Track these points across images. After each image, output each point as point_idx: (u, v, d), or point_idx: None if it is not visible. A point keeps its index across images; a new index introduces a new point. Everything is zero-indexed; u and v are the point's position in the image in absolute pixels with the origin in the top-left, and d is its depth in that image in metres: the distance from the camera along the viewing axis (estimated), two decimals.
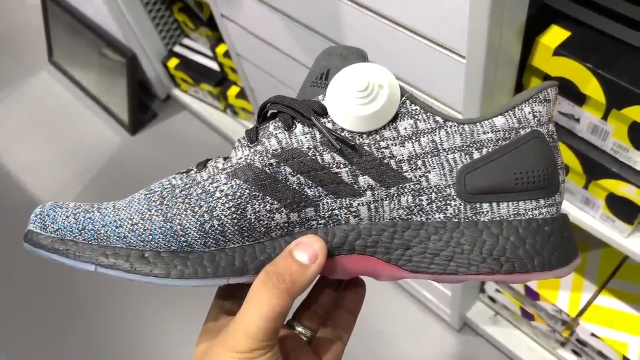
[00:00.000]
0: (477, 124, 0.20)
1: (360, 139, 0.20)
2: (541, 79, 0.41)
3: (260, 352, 0.19)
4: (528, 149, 0.20)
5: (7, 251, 0.94)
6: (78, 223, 0.21)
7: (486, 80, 0.38)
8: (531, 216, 0.20)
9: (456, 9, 0.35)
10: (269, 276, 0.20)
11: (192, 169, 0.22)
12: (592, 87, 0.37)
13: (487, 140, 0.20)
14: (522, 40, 0.38)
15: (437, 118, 0.20)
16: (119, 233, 0.20)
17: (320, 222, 0.21)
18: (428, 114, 0.20)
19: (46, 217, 0.21)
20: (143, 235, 0.20)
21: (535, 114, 0.21)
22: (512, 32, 0.37)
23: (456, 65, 0.39)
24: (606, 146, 0.40)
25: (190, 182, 0.21)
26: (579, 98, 0.39)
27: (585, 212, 0.46)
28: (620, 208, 0.42)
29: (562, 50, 0.37)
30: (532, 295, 0.60)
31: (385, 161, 0.20)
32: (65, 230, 0.21)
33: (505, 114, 0.21)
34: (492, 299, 0.70)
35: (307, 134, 0.20)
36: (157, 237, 0.20)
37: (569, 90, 0.38)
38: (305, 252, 0.20)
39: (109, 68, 1.03)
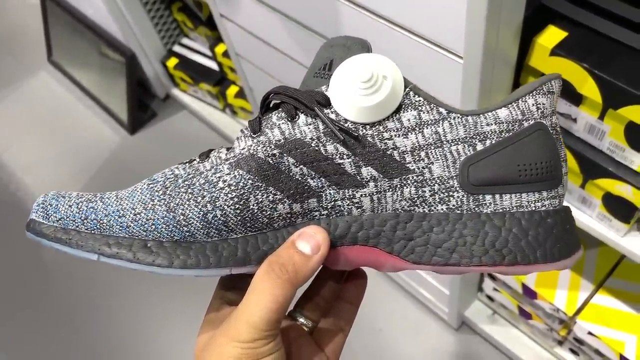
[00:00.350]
0: (481, 115, 0.20)
1: (364, 130, 0.20)
2: None
3: (262, 342, 0.19)
4: (531, 141, 0.20)
5: (6, 250, 0.93)
6: (81, 212, 0.21)
7: (483, 81, 0.38)
8: (534, 208, 0.20)
9: (453, 9, 0.35)
10: (271, 266, 0.20)
11: (194, 159, 0.22)
12: (588, 87, 0.37)
13: (490, 132, 0.20)
14: (520, 40, 0.39)
15: (441, 109, 0.20)
16: (121, 223, 0.20)
17: (323, 213, 0.21)
18: (432, 105, 0.20)
19: (49, 206, 0.21)
20: (146, 225, 0.20)
21: (538, 106, 0.21)
22: (509, 33, 0.37)
23: (454, 65, 0.39)
24: (603, 146, 0.41)
25: (193, 172, 0.21)
26: (575, 98, 0.40)
27: (582, 212, 0.46)
28: (617, 207, 0.42)
29: (559, 50, 0.37)
30: (530, 294, 0.60)
31: (389, 152, 0.20)
32: (67, 219, 0.21)
33: (509, 105, 0.21)
34: (490, 298, 0.70)
35: (310, 124, 0.20)
36: (160, 227, 0.20)
37: (566, 90, 0.39)
38: (308, 243, 0.20)
39: (109, 68, 1.03)
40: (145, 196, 0.21)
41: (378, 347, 0.75)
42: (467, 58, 0.37)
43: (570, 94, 0.39)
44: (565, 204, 0.22)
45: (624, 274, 0.59)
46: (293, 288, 0.20)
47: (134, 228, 0.20)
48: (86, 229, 0.20)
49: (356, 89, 0.20)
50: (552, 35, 0.38)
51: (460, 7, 0.35)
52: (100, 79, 1.08)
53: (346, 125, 0.20)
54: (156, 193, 0.21)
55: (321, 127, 0.20)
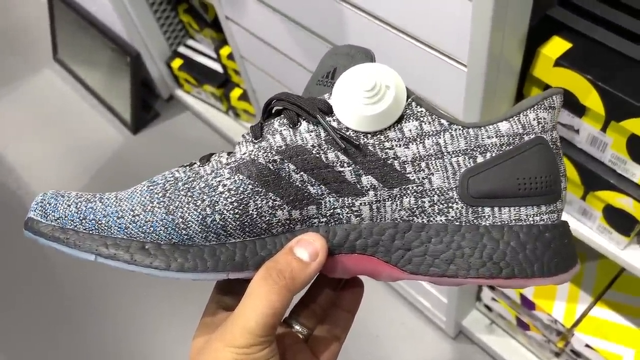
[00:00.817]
0: (482, 128, 0.21)
1: (365, 139, 0.20)
2: (542, 90, 0.41)
3: (258, 348, 0.19)
4: (531, 155, 0.20)
5: (5, 250, 0.94)
6: (79, 212, 0.21)
7: (487, 89, 0.38)
8: (532, 222, 0.20)
9: (458, 16, 0.36)
10: (269, 272, 0.20)
11: (195, 163, 0.22)
12: (592, 98, 0.37)
13: (491, 145, 0.20)
14: (524, 50, 0.39)
15: (442, 121, 0.20)
16: (120, 224, 0.20)
17: (321, 220, 0.21)
18: (433, 117, 0.20)
19: (47, 205, 0.21)
20: (144, 227, 0.20)
21: (539, 120, 0.21)
22: (513, 42, 0.37)
23: (457, 73, 0.40)
24: (605, 158, 0.41)
25: (194, 175, 0.21)
26: (578, 109, 0.40)
27: (582, 223, 0.46)
28: (617, 220, 0.42)
29: (563, 61, 0.37)
30: (528, 304, 0.60)
31: (389, 162, 0.20)
32: (66, 219, 0.21)
33: (510, 119, 0.21)
34: (488, 308, 0.70)
35: (311, 131, 0.20)
36: (159, 229, 0.20)
37: (569, 102, 0.39)
38: (306, 250, 0.20)
39: (113, 67, 1.04)
40: (145, 198, 0.21)
41: (374, 353, 0.74)
42: (471, 66, 0.38)
43: (573, 105, 0.39)
44: (563, 218, 0.22)
45: (623, 287, 0.58)
46: (290, 294, 0.20)
47: (132, 229, 0.20)
48: (84, 229, 0.20)
49: (359, 98, 0.20)
50: (557, 46, 0.38)
51: (465, 16, 0.35)
52: (105, 78, 1.08)
53: (348, 133, 0.20)
54: (156, 195, 0.21)
55: (323, 134, 0.20)
